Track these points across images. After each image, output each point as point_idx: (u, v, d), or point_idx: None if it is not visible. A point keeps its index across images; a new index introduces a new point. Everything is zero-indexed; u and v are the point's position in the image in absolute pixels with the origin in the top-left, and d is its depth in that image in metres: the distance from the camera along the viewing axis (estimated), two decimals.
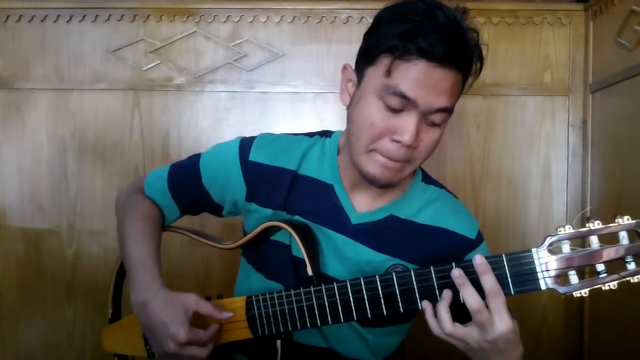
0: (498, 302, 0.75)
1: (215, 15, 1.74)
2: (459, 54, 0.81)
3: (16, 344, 1.80)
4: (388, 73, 0.82)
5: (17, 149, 1.78)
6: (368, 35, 0.88)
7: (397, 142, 0.83)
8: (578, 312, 1.69)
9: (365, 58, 0.86)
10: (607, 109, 1.58)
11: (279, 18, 1.73)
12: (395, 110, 0.82)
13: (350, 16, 1.71)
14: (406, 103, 0.81)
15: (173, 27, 1.75)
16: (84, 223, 1.77)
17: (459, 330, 0.77)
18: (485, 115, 1.72)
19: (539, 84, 1.71)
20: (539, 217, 1.69)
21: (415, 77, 0.80)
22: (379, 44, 0.83)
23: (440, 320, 0.78)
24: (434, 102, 0.81)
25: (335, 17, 1.71)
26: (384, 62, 0.82)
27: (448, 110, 0.84)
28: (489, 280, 0.75)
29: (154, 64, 1.76)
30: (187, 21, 1.75)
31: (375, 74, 0.84)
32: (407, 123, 0.82)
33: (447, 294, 0.78)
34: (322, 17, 1.72)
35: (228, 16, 1.74)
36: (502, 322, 0.75)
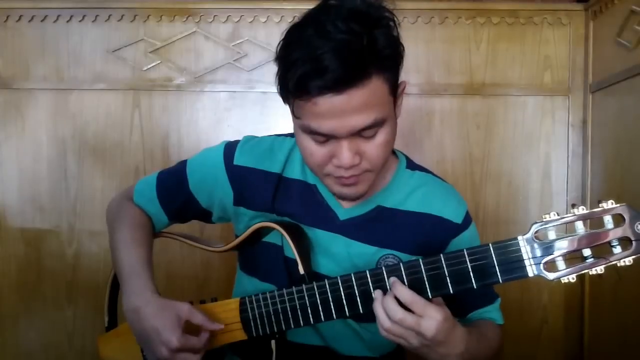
0: (419, 307, 0.75)
1: (215, 15, 1.74)
2: (363, 65, 0.75)
3: (16, 344, 1.80)
4: (297, 115, 0.81)
5: (17, 149, 1.78)
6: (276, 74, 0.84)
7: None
8: (578, 314, 1.69)
9: (281, 97, 0.85)
10: (607, 109, 1.58)
11: (279, 18, 1.73)
12: (323, 141, 0.81)
13: None
14: (326, 136, 0.80)
15: (173, 27, 1.75)
16: (83, 223, 1.78)
17: (407, 319, 0.75)
18: (485, 115, 1.72)
19: (539, 84, 1.71)
20: (539, 217, 1.68)
21: (319, 113, 0.77)
22: (280, 87, 0.82)
23: (387, 308, 0.77)
24: (353, 126, 0.78)
25: None
26: (291, 102, 0.81)
27: (375, 125, 0.80)
28: (402, 294, 0.76)
29: (154, 64, 1.76)
30: (187, 21, 1.75)
31: (292, 113, 0.84)
32: (339, 148, 0.80)
33: (394, 280, 0.78)
34: None
35: (228, 16, 1.74)
36: (429, 321, 0.75)
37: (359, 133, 0.80)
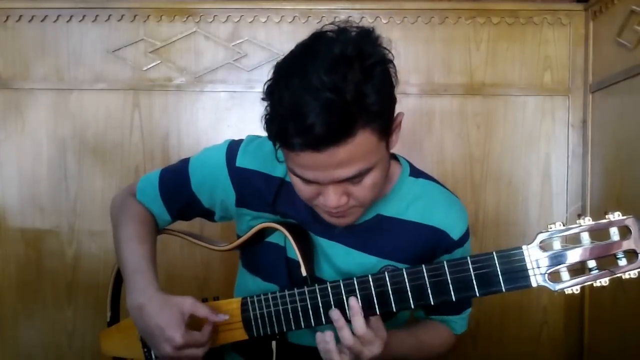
0: (368, 339, 0.80)
1: (215, 15, 1.74)
2: (348, 124, 0.72)
3: (16, 344, 1.80)
4: (280, 159, 0.82)
5: (17, 149, 1.79)
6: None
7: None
8: (578, 315, 1.69)
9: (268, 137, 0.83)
10: (607, 109, 1.58)
11: (279, 18, 1.73)
12: (309, 182, 0.80)
13: (350, 16, 1.69)
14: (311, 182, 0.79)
15: (173, 27, 1.75)
16: (83, 223, 1.78)
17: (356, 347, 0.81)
18: (485, 115, 1.72)
19: (539, 84, 1.71)
20: (539, 217, 1.69)
21: (304, 164, 0.77)
22: (266, 130, 0.80)
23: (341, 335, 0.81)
24: (336, 177, 0.77)
25: (335, 17, 1.70)
26: (278, 145, 0.80)
27: (359, 175, 0.78)
28: (359, 325, 0.80)
29: (154, 64, 1.76)
30: (187, 21, 1.75)
31: (278, 157, 0.84)
32: (325, 191, 0.80)
33: (353, 302, 0.82)
34: (322, 17, 1.71)
35: (228, 16, 1.74)
36: (369, 352, 0.81)
37: (345, 180, 0.79)
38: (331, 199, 0.80)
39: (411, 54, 1.71)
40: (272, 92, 0.77)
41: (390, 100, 0.79)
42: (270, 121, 0.77)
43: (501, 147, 1.72)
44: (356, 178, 0.79)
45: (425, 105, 1.72)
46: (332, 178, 0.77)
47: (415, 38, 1.71)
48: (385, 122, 0.78)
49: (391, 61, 0.79)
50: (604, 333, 1.57)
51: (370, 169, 0.79)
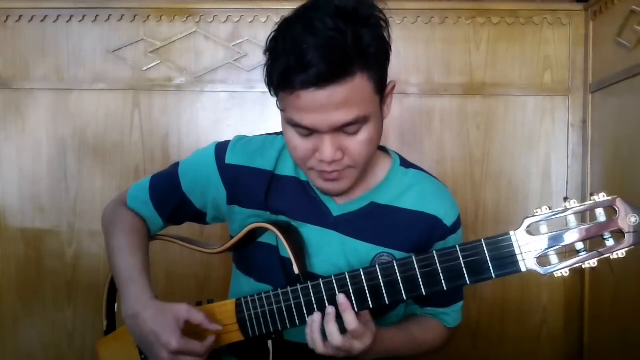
0: (359, 333, 0.81)
1: (215, 15, 1.74)
2: (346, 62, 0.76)
3: (16, 344, 1.81)
4: (281, 107, 0.83)
5: (17, 149, 1.79)
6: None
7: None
8: (578, 314, 1.69)
9: (267, 88, 0.85)
10: (607, 109, 1.58)
11: (279, 18, 1.71)
12: (307, 135, 0.82)
13: None
14: (309, 129, 0.81)
15: (173, 27, 1.75)
16: (83, 223, 1.78)
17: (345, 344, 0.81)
18: (485, 115, 1.72)
19: (539, 84, 1.71)
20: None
21: (301, 107, 0.78)
22: (266, 78, 0.82)
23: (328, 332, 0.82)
24: (335, 122, 0.79)
25: None
26: (277, 94, 0.83)
27: (356, 122, 0.80)
28: (350, 321, 0.80)
29: (154, 64, 1.76)
30: (187, 21, 1.75)
31: (279, 105, 0.85)
32: (321, 143, 0.81)
33: (341, 298, 0.82)
34: None
35: (228, 16, 1.74)
36: (362, 344, 0.81)
37: (342, 129, 0.80)
38: (327, 152, 0.81)
39: (411, 54, 1.71)
40: (274, 40, 0.81)
41: (385, 53, 0.83)
42: (272, 64, 0.80)
43: (501, 147, 1.72)
44: (353, 126, 0.81)
45: (425, 105, 1.72)
46: (330, 122, 0.79)
47: (415, 38, 1.71)
48: (380, 76, 0.82)
49: (387, 22, 0.82)
50: (604, 332, 1.57)
51: (367, 119, 0.81)
